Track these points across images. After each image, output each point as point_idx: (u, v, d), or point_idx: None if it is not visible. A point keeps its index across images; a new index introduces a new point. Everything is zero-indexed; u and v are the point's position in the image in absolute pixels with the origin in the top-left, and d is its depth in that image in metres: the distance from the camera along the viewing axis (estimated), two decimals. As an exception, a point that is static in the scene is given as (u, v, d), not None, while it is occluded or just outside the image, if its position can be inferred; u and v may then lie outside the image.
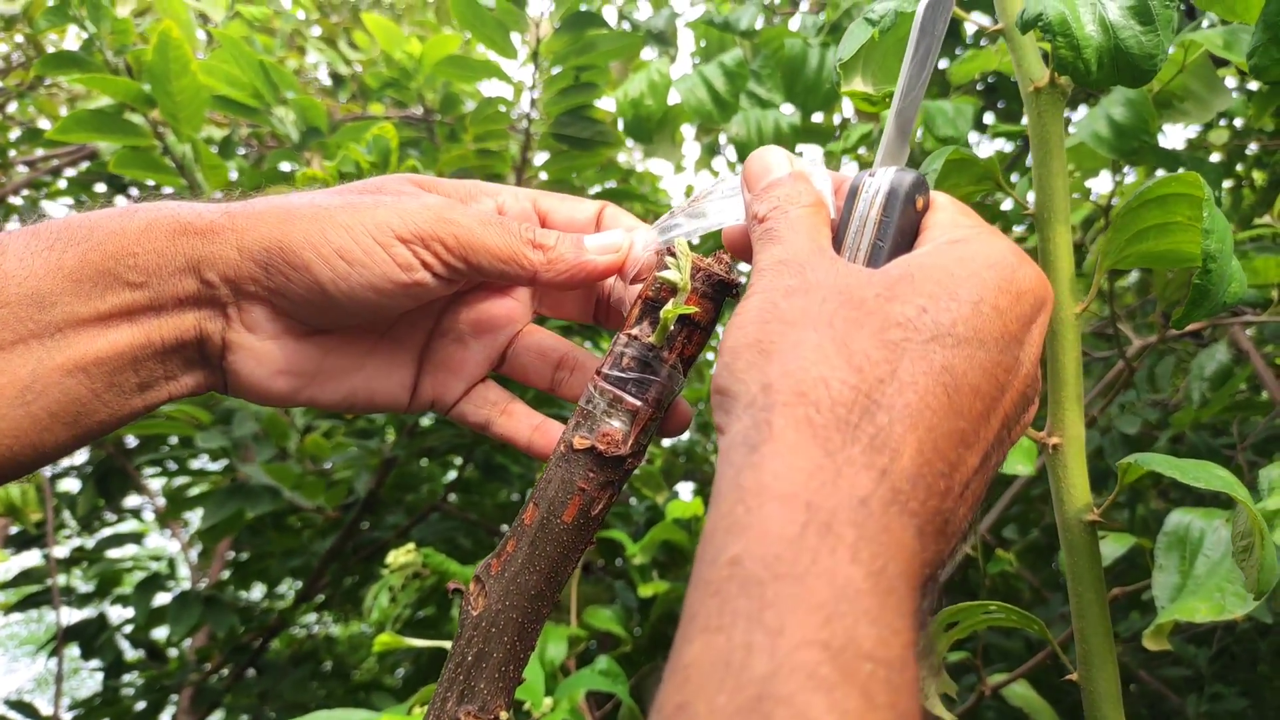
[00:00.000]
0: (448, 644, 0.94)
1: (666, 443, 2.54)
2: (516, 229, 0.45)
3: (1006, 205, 1.75)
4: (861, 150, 1.81)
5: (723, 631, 0.27)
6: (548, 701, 0.92)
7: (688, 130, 2.35)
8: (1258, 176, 1.78)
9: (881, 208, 0.39)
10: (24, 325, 0.39)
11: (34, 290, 0.39)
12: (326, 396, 0.48)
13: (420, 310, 0.50)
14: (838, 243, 0.40)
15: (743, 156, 1.25)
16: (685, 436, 2.63)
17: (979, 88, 1.83)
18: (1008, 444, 0.36)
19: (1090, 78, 0.46)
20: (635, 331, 0.45)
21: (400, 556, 1.18)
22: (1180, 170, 0.50)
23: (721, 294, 0.44)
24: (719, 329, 0.53)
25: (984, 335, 0.34)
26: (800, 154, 0.44)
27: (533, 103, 1.31)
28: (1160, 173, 1.29)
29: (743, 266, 0.48)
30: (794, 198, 0.41)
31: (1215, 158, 1.64)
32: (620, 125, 1.32)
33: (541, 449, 0.49)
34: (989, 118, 1.89)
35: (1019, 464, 0.80)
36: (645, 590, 1.30)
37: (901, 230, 0.39)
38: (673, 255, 0.44)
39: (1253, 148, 1.59)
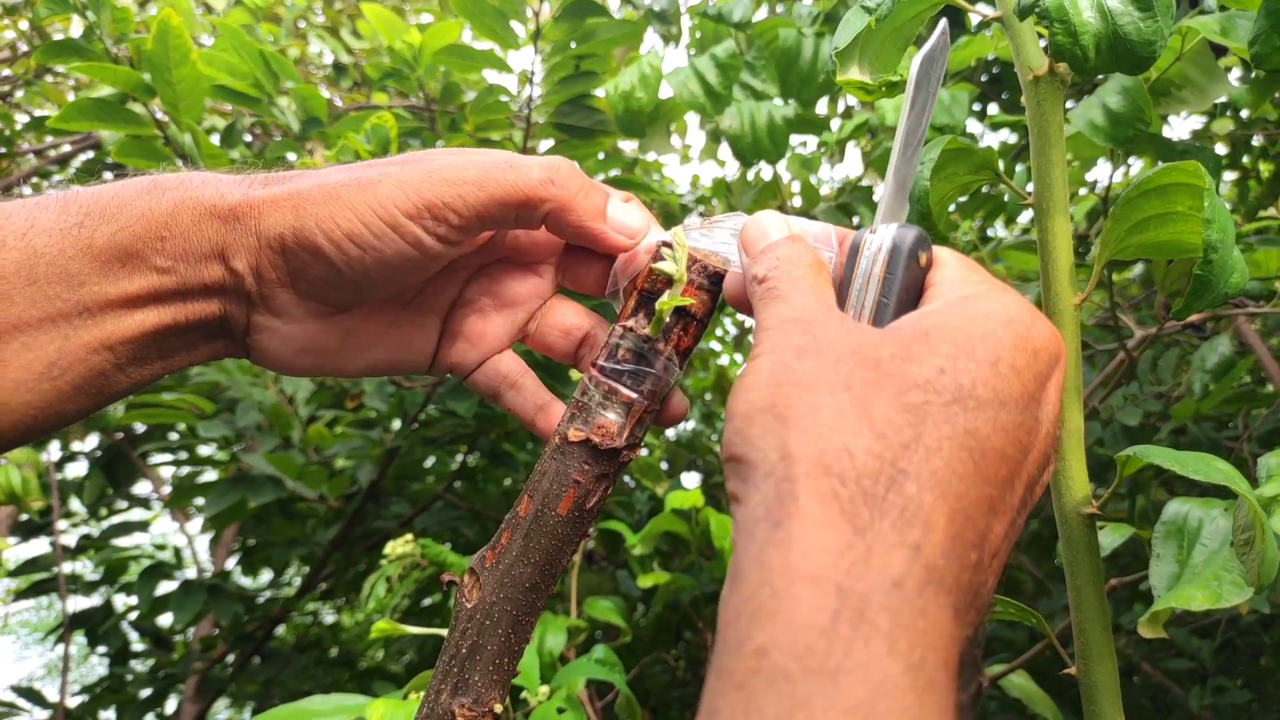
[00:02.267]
0: (444, 631, 0.94)
1: (670, 433, 2.54)
2: (533, 169, 0.44)
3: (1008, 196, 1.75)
4: (861, 141, 1.80)
5: None
6: (544, 690, 0.92)
7: (692, 120, 2.35)
8: (1264, 168, 1.77)
9: (885, 264, 0.38)
10: (52, 304, 0.40)
11: (63, 269, 0.40)
12: (350, 368, 0.48)
13: (444, 281, 0.50)
14: (841, 301, 0.39)
15: (736, 149, 1.24)
16: (689, 427, 2.63)
17: (983, 79, 1.82)
18: (1030, 506, 0.35)
19: (1088, 65, 0.46)
20: (630, 323, 0.45)
21: (398, 547, 1.18)
22: (1180, 159, 0.50)
23: (717, 286, 0.44)
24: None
25: (1004, 396, 0.33)
26: (821, 182, 0.44)
27: (533, 92, 1.30)
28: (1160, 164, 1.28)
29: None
30: (793, 258, 0.40)
31: (1220, 148, 1.63)
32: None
33: (544, 429, 0.49)
34: (992, 109, 1.88)
35: None
36: (645, 581, 1.30)
37: (906, 287, 0.38)
38: (669, 247, 0.44)
39: (1258, 139, 1.57)
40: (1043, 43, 0.52)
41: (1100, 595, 0.51)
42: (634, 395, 0.44)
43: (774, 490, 0.31)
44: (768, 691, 0.26)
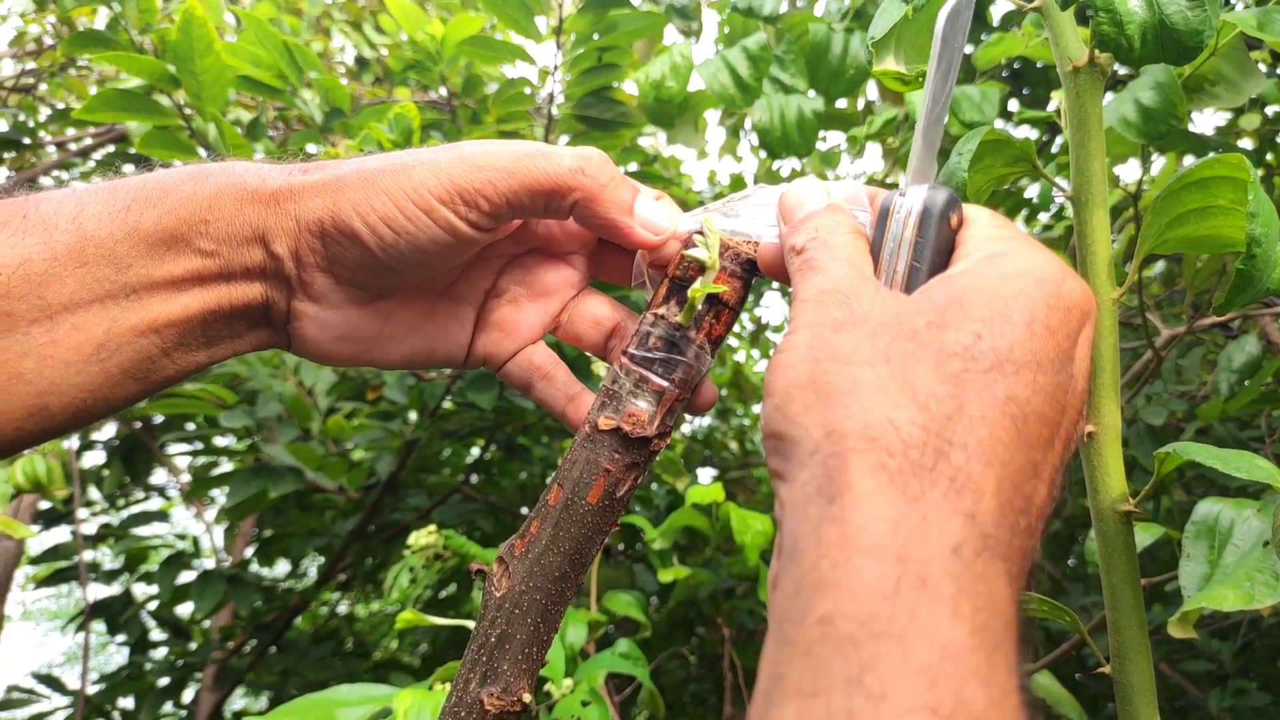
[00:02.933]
0: (468, 622, 0.94)
1: (686, 429, 2.54)
2: (564, 159, 0.44)
3: (1031, 192, 1.73)
4: (889, 139, 1.79)
5: (819, 696, 0.26)
6: (567, 683, 0.92)
7: (712, 115, 2.34)
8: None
9: (915, 228, 0.38)
10: (101, 286, 0.40)
11: (111, 252, 0.41)
12: (387, 357, 0.49)
13: (478, 271, 0.50)
14: (873, 266, 0.39)
15: (764, 142, 1.24)
16: (705, 422, 2.62)
17: (1004, 74, 1.80)
18: (1066, 464, 0.35)
19: (1133, 55, 0.45)
20: (662, 311, 0.44)
21: (422, 538, 1.18)
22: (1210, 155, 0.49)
23: (750, 273, 0.44)
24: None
25: (1041, 357, 0.33)
26: (839, 178, 0.44)
27: (555, 84, 1.30)
28: (1189, 160, 1.26)
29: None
30: (831, 228, 0.40)
31: (1246, 143, 1.61)
32: (641, 108, 1.31)
33: (574, 419, 0.49)
34: (1013, 105, 1.86)
35: None
36: (665, 575, 1.30)
37: (938, 250, 0.38)
38: (701, 234, 0.43)
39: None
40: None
41: (1137, 594, 0.51)
42: (665, 384, 0.44)
43: (822, 467, 0.31)
44: (836, 656, 0.26)
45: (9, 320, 0.39)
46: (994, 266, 0.35)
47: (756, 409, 2.73)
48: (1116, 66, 0.57)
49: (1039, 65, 1.82)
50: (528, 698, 0.44)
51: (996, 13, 1.59)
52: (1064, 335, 0.34)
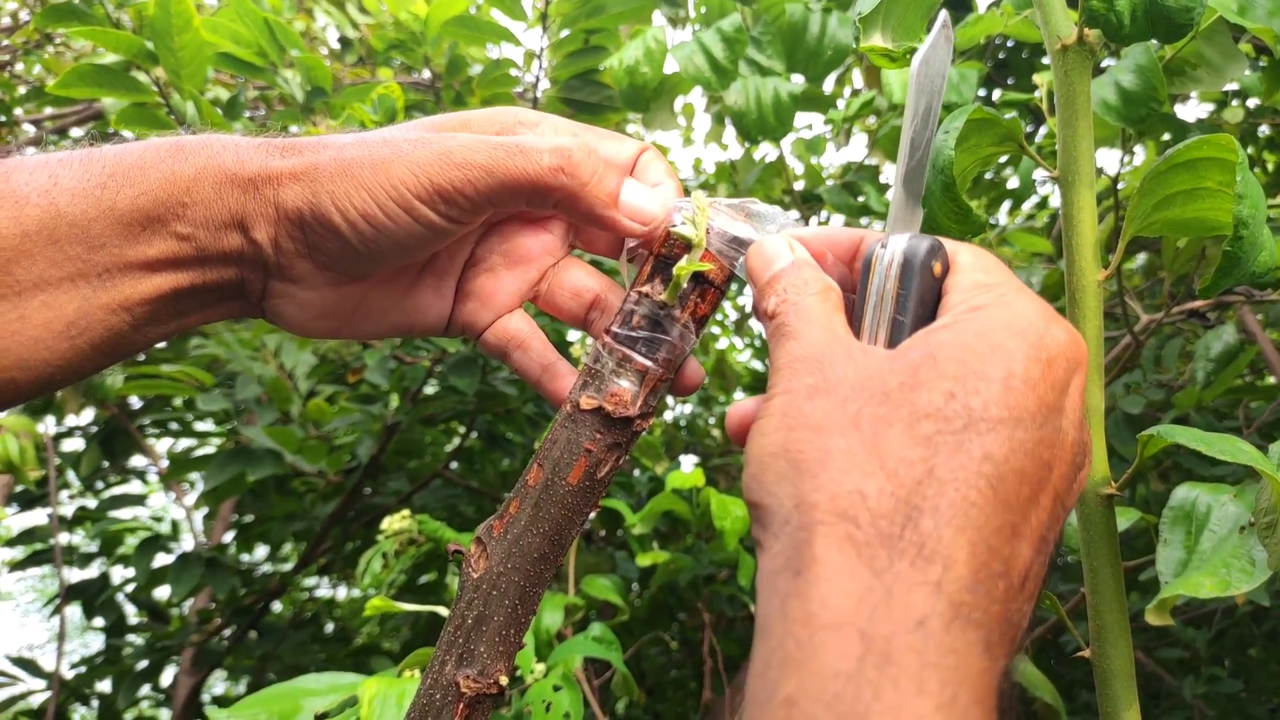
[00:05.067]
0: (441, 609, 0.94)
1: (668, 415, 2.54)
2: (544, 155, 0.43)
3: (1013, 183, 1.73)
4: (871, 119, 1.79)
5: None
6: (539, 667, 0.91)
7: (698, 102, 2.33)
8: (1269, 159, 1.76)
9: (897, 280, 0.37)
10: (73, 264, 0.40)
11: (85, 230, 0.40)
12: (367, 331, 0.49)
13: (456, 243, 0.49)
14: (857, 321, 0.38)
15: (740, 126, 1.23)
16: (687, 409, 2.62)
17: (989, 65, 1.80)
18: (1062, 518, 0.34)
19: (1123, 32, 0.44)
20: (646, 289, 0.43)
21: (395, 523, 1.17)
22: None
23: (737, 251, 0.43)
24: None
25: (1019, 413, 0.32)
26: (821, 167, 0.43)
27: (541, 67, 1.29)
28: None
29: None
30: (800, 287, 0.39)
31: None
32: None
33: (550, 390, 0.48)
34: (995, 97, 1.86)
35: None
36: (643, 559, 1.29)
37: (921, 300, 0.37)
38: (687, 211, 0.43)
39: (1264, 130, 1.56)
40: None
41: (1118, 578, 0.51)
42: (648, 363, 0.43)
43: (790, 539, 0.31)
44: None
45: None
46: (972, 321, 0.34)
47: (739, 396, 2.73)
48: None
49: (1024, 54, 1.82)
50: (504, 680, 0.43)
51: (982, 5, 1.58)
52: (1046, 387, 0.33)
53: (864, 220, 2.24)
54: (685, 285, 0.43)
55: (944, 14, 0.40)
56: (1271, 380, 1.56)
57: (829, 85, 1.94)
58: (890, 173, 2.11)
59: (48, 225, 0.39)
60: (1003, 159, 0.81)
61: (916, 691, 0.26)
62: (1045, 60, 1.49)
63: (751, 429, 0.35)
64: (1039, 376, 0.33)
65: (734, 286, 0.45)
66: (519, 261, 0.50)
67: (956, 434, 0.31)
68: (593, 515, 0.45)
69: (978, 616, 0.29)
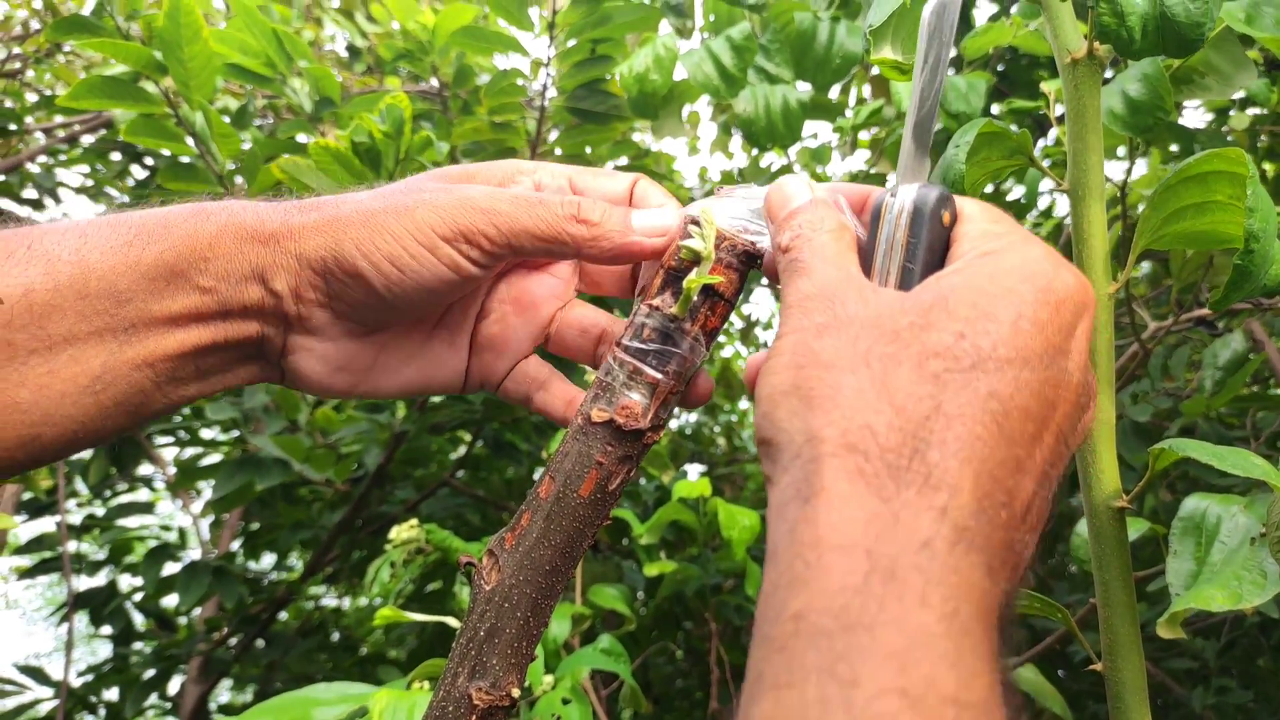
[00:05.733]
0: (449, 619, 0.94)
1: (674, 425, 2.53)
2: (557, 206, 0.45)
3: (1016, 193, 1.73)
4: (873, 129, 1.79)
5: (794, 687, 0.26)
6: (548, 679, 0.91)
7: (704, 111, 2.33)
8: (1269, 168, 1.76)
9: (907, 228, 0.38)
10: (101, 319, 0.41)
11: (112, 285, 0.41)
12: (384, 388, 0.50)
13: (468, 297, 0.51)
14: (867, 268, 0.39)
15: (749, 133, 1.23)
16: (693, 418, 2.62)
17: (994, 74, 1.80)
18: (1066, 456, 0.35)
19: (1133, 47, 0.44)
20: (657, 302, 0.44)
21: (403, 532, 1.17)
22: (1197, 149, 0.48)
23: (746, 264, 0.43)
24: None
25: (1027, 353, 0.33)
26: (827, 177, 0.43)
27: (548, 76, 1.29)
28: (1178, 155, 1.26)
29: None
30: (816, 224, 0.40)
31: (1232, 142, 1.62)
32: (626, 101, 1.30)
33: None
34: (994, 109, 1.86)
35: None
36: (650, 569, 1.29)
37: (930, 248, 0.38)
38: (697, 224, 0.43)
39: (1264, 139, 1.56)
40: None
41: (1130, 590, 0.51)
42: (659, 376, 0.43)
43: (801, 470, 0.32)
44: (809, 649, 0.27)
45: (9, 350, 0.39)
46: (983, 265, 0.35)
47: (744, 405, 2.73)
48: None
49: (1024, 64, 1.82)
50: (516, 692, 0.43)
51: (981, 16, 1.58)
52: (1054, 329, 0.34)
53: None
54: (695, 298, 0.43)
55: None
56: (1278, 390, 1.55)
57: (835, 94, 1.94)
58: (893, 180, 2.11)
59: (78, 280, 0.40)
60: (1007, 175, 0.81)
61: (920, 604, 0.27)
62: (1048, 70, 1.49)
63: (762, 368, 0.36)
64: (1047, 319, 0.33)
65: (740, 296, 0.45)
66: (528, 308, 0.51)
67: (964, 372, 0.32)
68: (602, 526, 0.45)
69: (980, 541, 0.30)
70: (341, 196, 0.46)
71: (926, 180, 0.41)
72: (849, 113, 1.67)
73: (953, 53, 0.40)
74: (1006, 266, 0.35)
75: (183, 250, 0.42)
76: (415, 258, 0.44)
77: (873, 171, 1.87)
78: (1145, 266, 1.87)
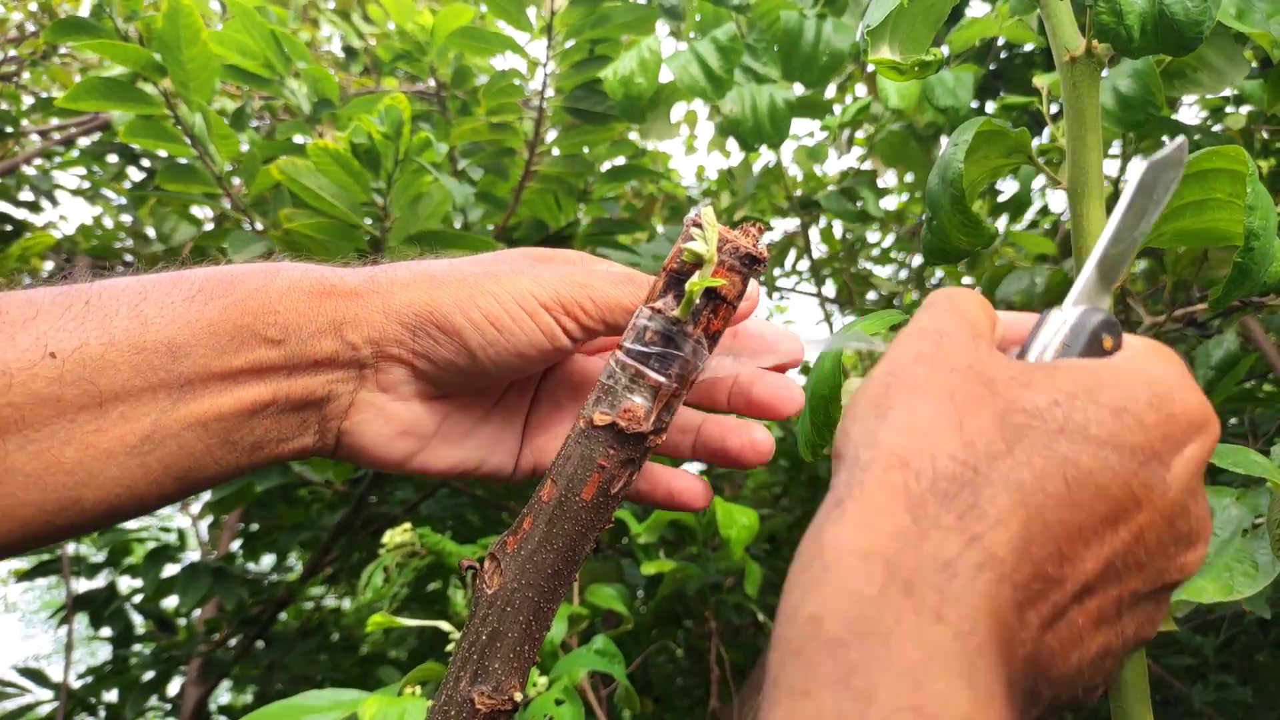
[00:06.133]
0: (442, 623, 0.94)
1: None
2: (647, 283, 0.46)
3: (1004, 197, 1.73)
4: (860, 133, 1.79)
5: (810, 697, 0.26)
6: (542, 680, 0.91)
7: (701, 110, 2.33)
8: (1263, 165, 1.76)
9: (1063, 340, 0.37)
10: (155, 374, 0.39)
11: (171, 339, 0.40)
12: (438, 462, 0.48)
13: (524, 380, 0.51)
14: None
15: (736, 133, 1.23)
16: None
17: (985, 70, 1.80)
18: (1147, 576, 0.32)
19: (1132, 45, 0.44)
20: (659, 305, 0.43)
21: (396, 536, 1.17)
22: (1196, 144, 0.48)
23: (749, 267, 0.43)
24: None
25: (1120, 441, 0.31)
26: (825, 175, 0.43)
27: (546, 76, 1.29)
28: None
29: (773, 235, 0.47)
30: (965, 295, 0.39)
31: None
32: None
33: (656, 491, 0.49)
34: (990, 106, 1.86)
35: None
36: (648, 568, 1.29)
37: None
38: (699, 226, 0.43)
39: (1262, 134, 1.56)
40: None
41: (1130, 589, 0.51)
42: (661, 379, 0.43)
43: (848, 474, 0.31)
44: (825, 658, 0.27)
45: (57, 406, 0.38)
46: (1109, 361, 0.34)
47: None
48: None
49: (1018, 61, 1.82)
50: (519, 696, 0.43)
51: (979, 12, 1.59)
52: (1158, 435, 0.32)
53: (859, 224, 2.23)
54: (698, 301, 0.43)
55: (1182, 138, 0.40)
56: (1272, 387, 1.55)
57: (831, 93, 1.94)
58: (890, 179, 2.11)
59: (134, 334, 0.39)
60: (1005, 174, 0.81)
61: (935, 620, 0.27)
62: (1041, 66, 1.49)
63: (856, 390, 0.35)
64: (1153, 422, 0.32)
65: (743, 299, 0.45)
66: (578, 388, 0.52)
67: (1047, 433, 0.31)
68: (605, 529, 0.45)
69: (1017, 579, 0.29)
70: (424, 261, 0.46)
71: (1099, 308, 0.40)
72: (838, 110, 1.67)
73: (1160, 211, 0.39)
74: (1132, 368, 0.33)
75: (250, 305, 0.41)
76: (515, 320, 0.44)
77: (865, 168, 1.87)
78: (1141, 264, 1.87)
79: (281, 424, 0.44)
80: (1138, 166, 0.39)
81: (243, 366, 0.41)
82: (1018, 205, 1.74)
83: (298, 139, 1.36)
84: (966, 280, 1.83)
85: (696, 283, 0.42)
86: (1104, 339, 0.37)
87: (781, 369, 0.49)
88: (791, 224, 2.09)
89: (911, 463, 0.30)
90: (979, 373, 0.33)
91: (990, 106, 1.67)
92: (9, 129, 1.90)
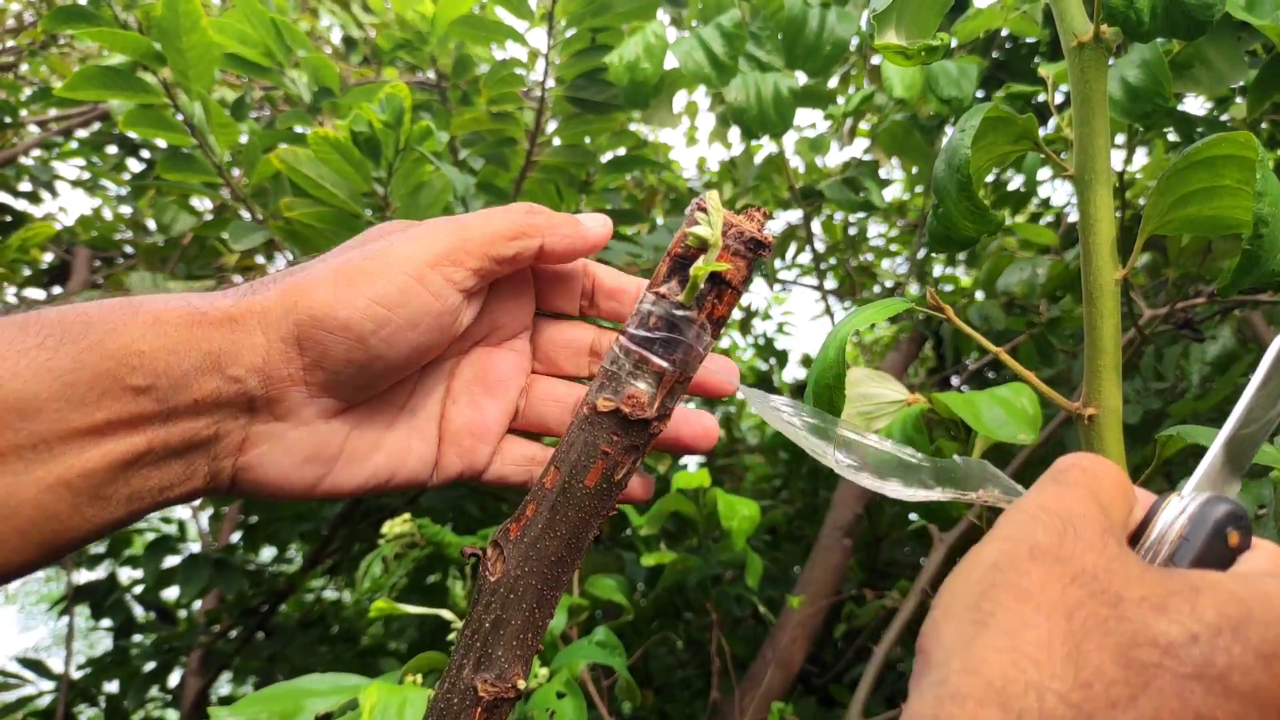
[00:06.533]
0: (444, 611, 0.93)
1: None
2: (512, 209, 0.46)
3: (1013, 187, 1.72)
4: (863, 123, 1.78)
5: None
6: (543, 671, 0.91)
7: (702, 101, 2.32)
8: (1270, 158, 1.75)
9: (1182, 531, 0.33)
10: (3, 436, 0.34)
11: (18, 395, 0.35)
12: (347, 482, 0.46)
13: (431, 379, 0.50)
14: None
15: (740, 121, 1.22)
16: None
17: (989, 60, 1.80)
18: None
19: (1142, 29, 0.44)
20: (663, 290, 0.43)
21: (395, 526, 1.17)
22: (1198, 136, 0.48)
23: (754, 252, 0.43)
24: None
25: (1265, 698, 0.27)
26: (827, 168, 0.42)
27: (547, 66, 1.29)
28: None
29: (774, 226, 0.46)
30: (1103, 467, 0.34)
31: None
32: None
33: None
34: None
35: (1020, 432, 0.73)
36: (648, 559, 1.29)
37: (1201, 562, 0.33)
38: (704, 211, 0.42)
39: (1264, 126, 1.55)
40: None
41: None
42: (665, 365, 0.43)
43: (935, 697, 0.27)
44: None
45: None
46: (1261, 582, 0.29)
47: (742, 395, 2.71)
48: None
49: (1024, 51, 1.81)
50: (522, 684, 0.43)
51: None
52: None
53: (860, 214, 2.22)
54: (702, 286, 0.42)
55: None
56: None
57: (835, 83, 1.93)
58: (890, 170, 2.10)
59: None
60: (1009, 162, 0.81)
61: None
62: (1045, 57, 1.48)
63: (955, 570, 0.31)
64: None
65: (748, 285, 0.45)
66: (495, 385, 0.50)
67: (1180, 678, 0.26)
68: (609, 516, 0.45)
69: None
70: (301, 266, 0.43)
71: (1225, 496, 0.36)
72: (841, 100, 1.67)
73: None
74: None
75: (108, 347, 0.36)
76: (402, 290, 0.41)
77: (868, 159, 1.86)
78: (1144, 258, 1.87)
79: (163, 472, 0.39)
80: (1277, 341, 0.36)
81: (107, 419, 0.36)
82: (1020, 198, 1.74)
83: (298, 128, 1.36)
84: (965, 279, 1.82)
85: (701, 267, 0.41)
86: (1229, 534, 0.33)
87: (708, 390, 0.49)
88: (794, 215, 2.09)
89: (1011, 703, 0.26)
90: (1105, 585, 0.29)
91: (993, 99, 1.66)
92: (8, 119, 1.89)
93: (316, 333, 0.40)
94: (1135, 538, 0.34)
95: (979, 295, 1.84)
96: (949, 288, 2.26)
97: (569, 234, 0.47)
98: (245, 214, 1.28)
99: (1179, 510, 0.33)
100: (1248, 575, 0.30)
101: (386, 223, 0.47)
